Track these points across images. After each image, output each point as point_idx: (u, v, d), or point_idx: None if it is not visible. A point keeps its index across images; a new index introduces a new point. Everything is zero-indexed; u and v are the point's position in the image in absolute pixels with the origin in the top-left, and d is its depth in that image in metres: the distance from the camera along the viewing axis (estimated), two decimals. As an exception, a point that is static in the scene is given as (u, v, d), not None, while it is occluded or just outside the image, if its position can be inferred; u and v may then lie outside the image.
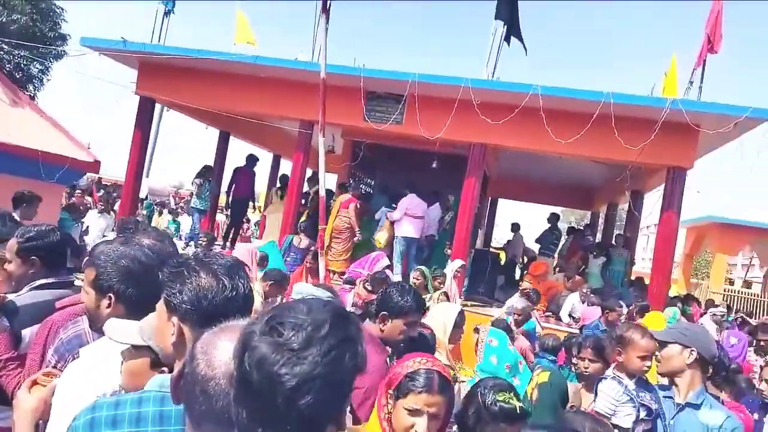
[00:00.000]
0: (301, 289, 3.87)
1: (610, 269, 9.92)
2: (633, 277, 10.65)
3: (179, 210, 16.12)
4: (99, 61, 9.58)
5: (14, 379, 1.93)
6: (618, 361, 2.83)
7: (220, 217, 13.85)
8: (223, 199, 13.63)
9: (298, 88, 8.84)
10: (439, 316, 3.27)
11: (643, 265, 25.34)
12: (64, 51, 19.61)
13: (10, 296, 2.21)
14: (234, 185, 10.94)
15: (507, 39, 8.85)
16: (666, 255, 8.01)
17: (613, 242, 10.91)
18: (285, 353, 0.85)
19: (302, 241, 8.87)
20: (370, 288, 5.42)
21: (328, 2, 6.00)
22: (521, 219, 12.73)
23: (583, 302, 7.83)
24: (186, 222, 12.08)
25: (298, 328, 0.87)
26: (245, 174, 10.96)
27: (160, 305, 1.39)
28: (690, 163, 7.85)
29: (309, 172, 10.75)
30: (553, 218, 11.34)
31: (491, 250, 12.63)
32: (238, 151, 12.71)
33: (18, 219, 6.13)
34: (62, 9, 20.55)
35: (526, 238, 12.37)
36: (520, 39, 8.81)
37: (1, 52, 17.85)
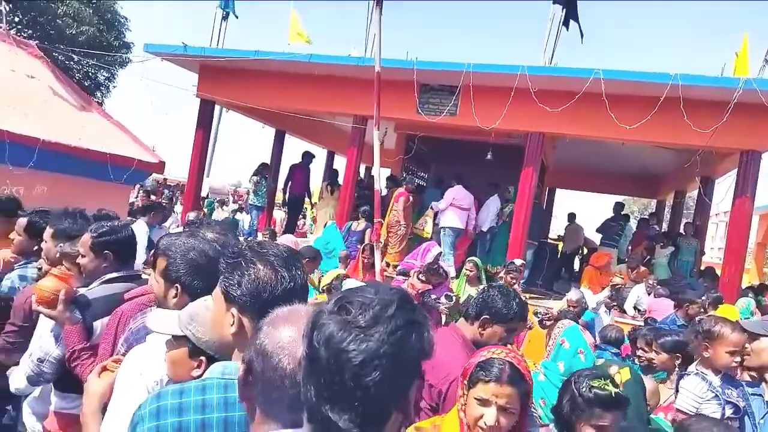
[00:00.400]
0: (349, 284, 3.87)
1: (678, 259, 9.43)
2: (703, 267, 10.10)
3: (240, 207, 16.55)
4: (163, 66, 9.95)
5: (88, 368, 2.01)
6: (703, 357, 2.66)
7: (278, 214, 14.12)
8: (280, 196, 13.93)
9: (351, 84, 8.87)
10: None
11: (712, 254, 23.98)
12: (128, 58, 20.55)
13: (82, 290, 2.31)
14: (290, 182, 11.14)
15: (566, 24, 8.54)
16: (739, 243, 7.55)
17: (682, 231, 10.37)
18: (352, 331, 0.86)
19: (359, 224, 8.89)
20: (423, 279, 5.39)
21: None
22: (581, 209, 12.28)
23: (649, 294, 7.48)
24: (245, 219, 12.40)
25: (366, 308, 0.89)
26: (301, 171, 11.14)
27: (218, 296, 1.40)
28: (765, 145, 7.36)
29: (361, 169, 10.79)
30: (618, 207, 10.86)
31: (549, 241, 12.27)
32: (294, 148, 12.91)
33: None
34: (126, 18, 21.57)
35: (587, 229, 11.92)
36: (578, 23, 8.47)
37: (71, 62, 18.85)
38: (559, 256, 10.93)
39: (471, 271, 6.13)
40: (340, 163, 12.87)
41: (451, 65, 8.12)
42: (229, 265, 1.40)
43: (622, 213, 10.82)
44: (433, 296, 5.18)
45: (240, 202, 17.89)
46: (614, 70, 7.35)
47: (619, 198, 13.20)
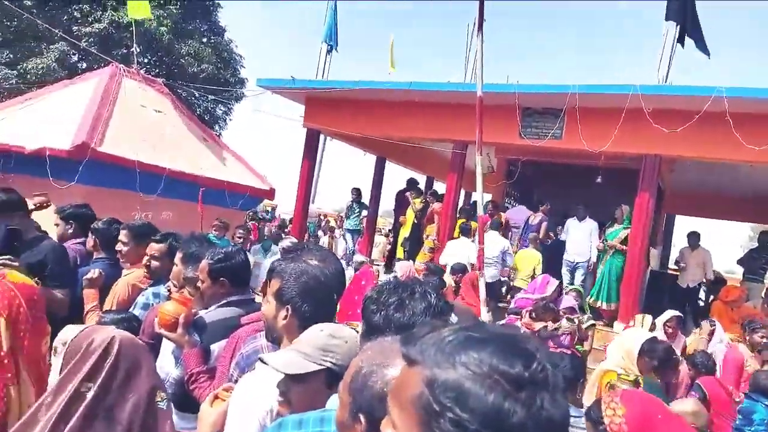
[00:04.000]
0: None
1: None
2: None
3: (333, 231, 16.93)
4: (272, 99, 10.58)
5: (206, 391, 2.08)
6: None
7: (379, 239, 14.31)
8: (381, 222, 14.14)
9: (451, 110, 8.86)
10: (622, 343, 2.97)
11: None
12: (243, 93, 22.05)
13: (201, 313, 2.43)
14: (398, 208, 11.29)
15: (681, 40, 8.02)
16: None
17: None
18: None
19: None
20: (535, 317, 5.17)
21: (483, 19, 5.92)
22: (705, 238, 11.18)
23: (791, 334, 6.62)
24: (340, 245, 12.71)
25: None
26: (406, 197, 11.25)
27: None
28: None
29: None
30: (765, 237, 9.72)
31: (669, 271, 11.35)
32: (395, 174, 13.11)
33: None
34: (241, 56, 23.27)
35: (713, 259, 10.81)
36: (701, 40, 7.91)
37: (193, 98, 20.58)
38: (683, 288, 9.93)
39: (575, 300, 5.79)
40: (440, 188, 12.85)
41: (555, 87, 7.87)
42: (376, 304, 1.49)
43: None
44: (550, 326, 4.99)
45: (327, 223, 18.30)
46: (738, 88, 6.78)
47: (748, 225, 11.97)
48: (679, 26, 7.88)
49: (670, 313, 5.92)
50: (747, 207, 12.88)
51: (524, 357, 0.72)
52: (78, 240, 3.77)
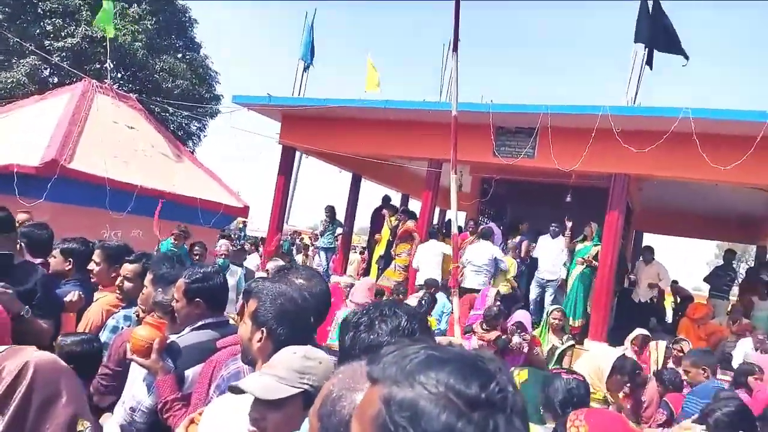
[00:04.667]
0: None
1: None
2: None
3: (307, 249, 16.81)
4: (247, 116, 10.53)
5: (180, 419, 2.02)
6: None
7: (354, 257, 14.28)
8: (355, 239, 14.12)
9: (427, 129, 8.94)
10: (592, 361, 3.01)
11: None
12: (218, 110, 21.96)
13: (172, 337, 2.36)
14: (373, 225, 11.30)
15: (649, 62, 8.29)
16: None
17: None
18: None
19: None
20: (487, 328, 5.31)
21: (458, 39, 6.02)
22: (671, 254, 11.45)
23: (756, 350, 6.81)
24: (315, 263, 12.62)
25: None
26: (382, 215, 11.28)
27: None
28: None
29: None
30: (729, 255, 10.01)
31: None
32: (370, 192, 13.15)
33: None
34: (217, 72, 23.21)
35: (680, 276, 11.11)
36: (678, 45, 8.11)
37: (167, 114, 20.39)
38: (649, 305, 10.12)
39: (557, 320, 5.86)
40: (415, 206, 12.93)
41: (528, 107, 8.03)
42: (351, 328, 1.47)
43: (733, 262, 10.00)
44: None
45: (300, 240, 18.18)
46: (704, 109, 6.97)
47: (714, 243, 12.30)
48: (647, 49, 8.14)
49: (637, 332, 6.07)
50: (713, 225, 13.27)
51: (482, 377, 0.72)
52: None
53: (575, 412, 2.16)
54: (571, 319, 7.78)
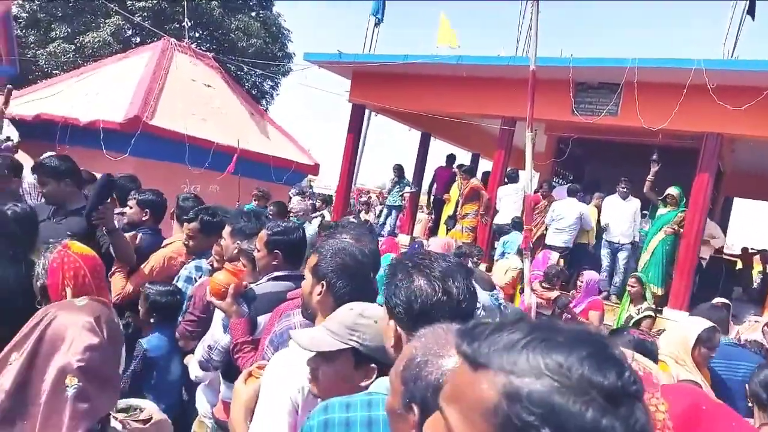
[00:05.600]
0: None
1: None
2: None
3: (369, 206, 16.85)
4: (318, 74, 10.55)
5: (248, 361, 2.11)
6: None
7: (421, 216, 14.23)
8: (423, 199, 14.03)
9: (500, 85, 8.62)
10: (678, 331, 2.84)
11: None
12: (290, 68, 22.17)
13: (251, 285, 2.45)
14: (435, 184, 11.17)
15: (751, 12, 7.53)
16: None
17: None
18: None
19: None
20: (547, 286, 5.41)
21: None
22: (765, 222, 10.61)
23: None
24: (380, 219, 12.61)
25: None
26: (445, 173, 11.11)
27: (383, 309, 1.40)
28: None
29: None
30: None
31: (725, 257, 10.86)
32: (439, 151, 12.94)
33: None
34: (289, 31, 23.33)
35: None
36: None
37: (242, 72, 20.81)
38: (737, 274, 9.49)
39: (634, 287, 5.60)
40: (486, 165, 12.63)
41: (612, 61, 7.53)
42: (389, 276, 1.41)
43: None
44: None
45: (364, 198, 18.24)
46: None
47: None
48: (749, -2, 7.39)
49: (717, 301, 5.64)
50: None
51: (616, 365, 0.64)
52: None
53: (649, 390, 2.02)
54: (653, 286, 7.42)
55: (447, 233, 9.86)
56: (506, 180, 8.99)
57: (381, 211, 14.40)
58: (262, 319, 2.28)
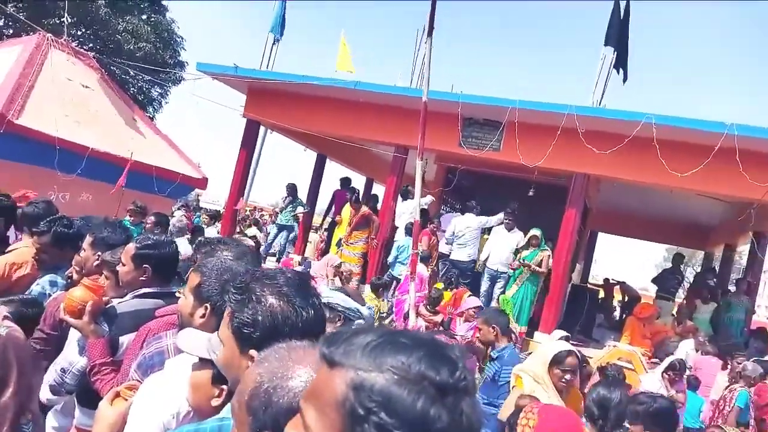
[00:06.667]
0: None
1: (728, 317, 8.91)
2: (754, 327, 9.53)
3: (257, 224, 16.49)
4: (211, 86, 10.19)
5: (108, 384, 1.95)
6: None
7: (314, 237, 14.13)
8: (317, 220, 13.96)
9: (395, 113, 8.87)
10: (540, 351, 3.05)
11: (759, 313, 22.82)
12: (181, 76, 21.26)
13: (114, 302, 2.26)
14: (333, 206, 11.18)
15: (617, 66, 8.42)
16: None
17: (731, 287, 9.88)
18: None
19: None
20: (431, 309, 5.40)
21: (433, 26, 5.94)
22: (624, 255, 11.84)
23: (697, 351, 7.08)
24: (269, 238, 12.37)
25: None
26: (343, 195, 11.16)
27: (227, 337, 1.32)
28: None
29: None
30: (678, 259, 10.42)
31: (589, 286, 11.87)
32: (334, 173, 13.00)
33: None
34: (182, 38, 22.41)
35: (629, 276, 11.48)
36: (624, 66, 8.38)
37: (127, 76, 19.61)
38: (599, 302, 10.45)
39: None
40: (378, 190, 12.88)
41: (497, 101, 8.04)
42: (238, 301, 1.32)
43: (681, 265, 10.41)
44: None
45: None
46: (666, 116, 7.15)
47: (663, 247, 12.76)
48: (616, 52, 8.26)
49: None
50: (664, 229, 13.71)
51: (449, 364, 0.74)
52: None
53: (531, 404, 2.15)
54: (515, 326, 7.86)
55: (337, 254, 9.87)
56: (401, 198, 9.33)
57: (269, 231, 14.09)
58: (125, 339, 2.11)
